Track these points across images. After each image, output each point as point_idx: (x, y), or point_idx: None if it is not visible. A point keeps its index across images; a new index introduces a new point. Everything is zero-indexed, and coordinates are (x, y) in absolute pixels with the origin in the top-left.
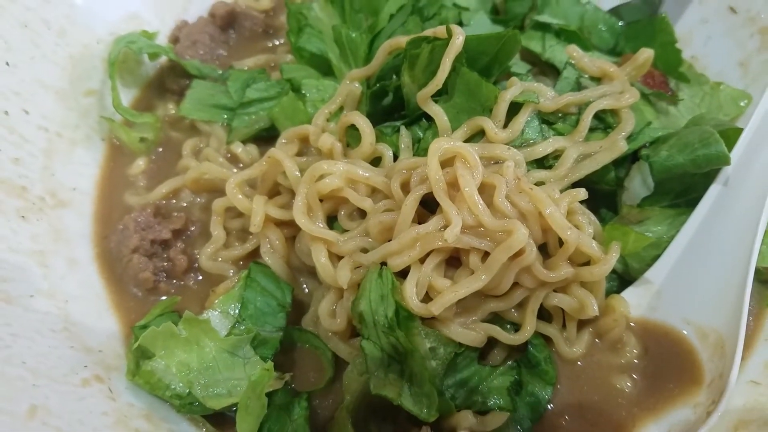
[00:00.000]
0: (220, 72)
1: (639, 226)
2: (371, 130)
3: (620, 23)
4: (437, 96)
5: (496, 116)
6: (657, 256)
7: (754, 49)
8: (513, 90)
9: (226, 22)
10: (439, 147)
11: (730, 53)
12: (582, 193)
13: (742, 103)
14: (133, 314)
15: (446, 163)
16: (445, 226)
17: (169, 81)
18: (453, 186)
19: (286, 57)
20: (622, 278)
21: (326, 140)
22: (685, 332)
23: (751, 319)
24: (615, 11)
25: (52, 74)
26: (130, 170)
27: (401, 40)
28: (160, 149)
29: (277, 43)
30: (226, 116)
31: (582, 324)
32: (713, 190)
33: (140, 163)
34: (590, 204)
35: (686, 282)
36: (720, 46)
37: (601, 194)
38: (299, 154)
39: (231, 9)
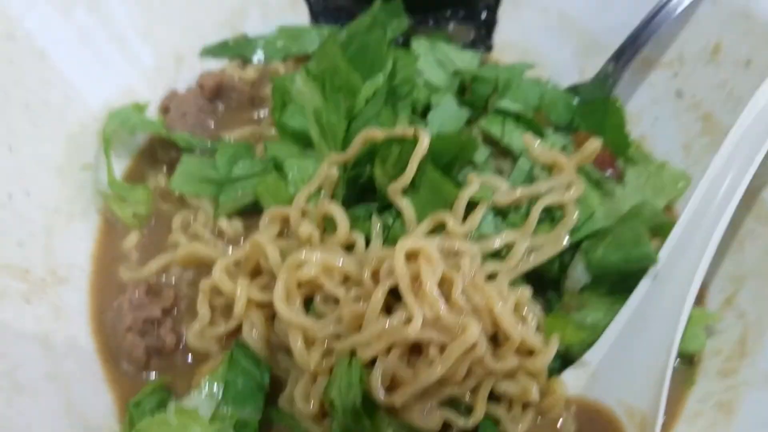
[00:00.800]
0: (209, 143)
1: (579, 312)
2: (346, 221)
3: (576, 100)
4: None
5: (456, 212)
6: (594, 341)
7: (697, 133)
8: (470, 189)
9: (214, 93)
10: (404, 245)
11: (675, 135)
12: (527, 292)
13: (680, 185)
14: (127, 389)
15: (412, 255)
16: (409, 319)
17: (160, 152)
18: (416, 279)
19: (270, 130)
20: (564, 358)
21: (305, 229)
22: (616, 411)
23: (675, 397)
24: (572, 89)
25: (51, 152)
26: (123, 244)
27: (375, 134)
28: (152, 220)
29: (262, 114)
30: (214, 189)
31: (526, 404)
32: (644, 283)
33: (133, 237)
34: (539, 288)
35: (618, 365)
36: (667, 127)
37: (548, 279)
38: (281, 233)
39: (219, 81)
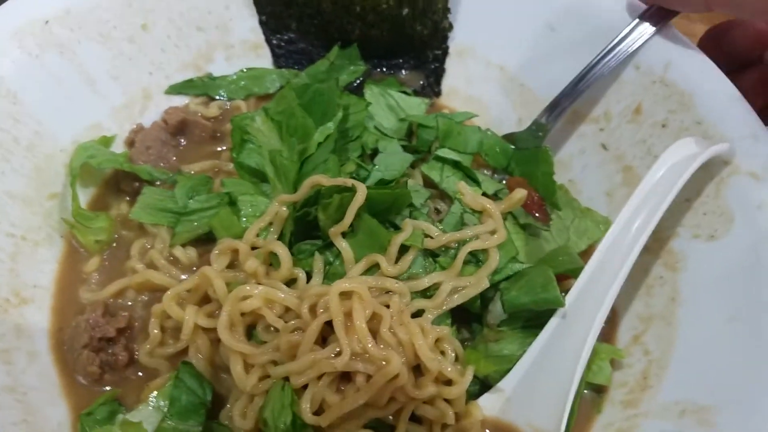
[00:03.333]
0: (170, 175)
1: (496, 344)
2: (289, 258)
3: (512, 147)
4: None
5: (389, 254)
6: (509, 370)
7: (619, 183)
8: (403, 234)
9: (178, 128)
10: (339, 287)
11: (600, 183)
12: (446, 330)
13: (602, 228)
14: (81, 401)
15: (347, 294)
16: (339, 352)
17: (123, 183)
18: (349, 316)
19: (228, 164)
20: (483, 384)
21: (251, 264)
22: None
23: (583, 423)
24: (509, 136)
25: (20, 184)
26: (85, 267)
27: (321, 180)
28: (114, 244)
29: (223, 148)
30: (172, 220)
31: (444, 427)
32: (553, 321)
33: (94, 262)
34: (463, 319)
35: (529, 391)
36: (593, 175)
37: (472, 313)
38: (231, 264)
39: (183, 117)
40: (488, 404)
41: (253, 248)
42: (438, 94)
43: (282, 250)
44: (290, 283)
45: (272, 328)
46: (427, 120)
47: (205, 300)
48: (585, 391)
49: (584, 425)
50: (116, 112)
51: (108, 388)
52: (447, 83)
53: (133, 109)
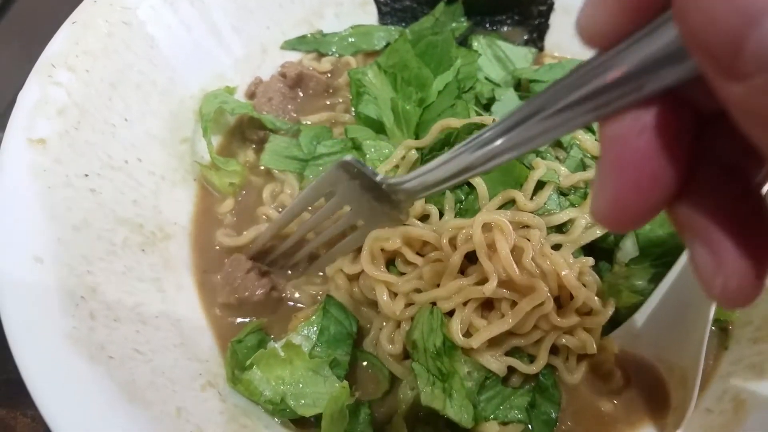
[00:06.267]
0: (292, 125)
1: (627, 281)
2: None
3: None
4: None
5: (525, 190)
6: (640, 304)
7: None
8: (539, 171)
9: (295, 81)
10: (482, 219)
11: None
12: (590, 261)
13: None
14: (226, 333)
15: (485, 227)
16: (483, 279)
17: (248, 132)
18: (491, 247)
19: (344, 116)
20: (613, 320)
21: None
22: (658, 367)
23: (710, 358)
24: None
25: (158, 126)
26: (219, 209)
27: (453, 122)
28: (244, 192)
29: (338, 101)
30: (299, 166)
31: (580, 358)
32: (684, 256)
33: (228, 203)
34: (594, 256)
35: (660, 327)
36: None
37: (602, 250)
38: None
39: (299, 70)
40: (620, 339)
41: None
42: (541, 49)
43: None
44: (423, 219)
45: (411, 264)
46: (538, 74)
47: None
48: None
49: (713, 361)
50: (238, 64)
51: (248, 319)
52: (550, 39)
53: (252, 62)
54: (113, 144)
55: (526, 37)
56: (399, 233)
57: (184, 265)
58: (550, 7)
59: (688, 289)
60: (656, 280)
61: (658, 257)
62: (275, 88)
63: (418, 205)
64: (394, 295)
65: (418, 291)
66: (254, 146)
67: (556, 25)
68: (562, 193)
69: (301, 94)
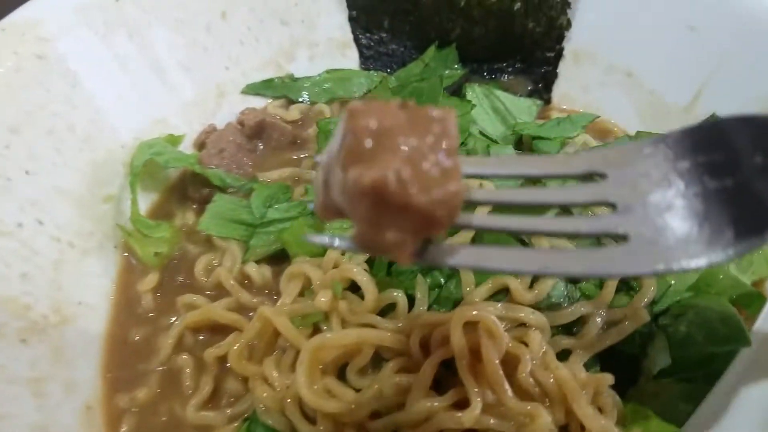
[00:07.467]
0: (245, 182)
1: (656, 400)
2: (373, 287)
3: None
4: None
5: (522, 276)
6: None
7: None
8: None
9: (255, 131)
10: (463, 316)
11: None
12: (609, 380)
13: None
14: None
15: (467, 326)
16: (463, 400)
17: (191, 189)
18: (474, 354)
19: (309, 172)
20: None
21: (323, 301)
22: None
23: None
24: None
25: (72, 180)
26: (139, 286)
27: None
28: (175, 261)
29: (303, 156)
30: (245, 233)
31: None
32: (736, 366)
33: (151, 279)
34: (613, 365)
35: None
36: None
37: (623, 356)
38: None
39: (261, 119)
40: None
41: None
42: (548, 101)
43: (363, 277)
44: (386, 310)
45: (368, 368)
46: (543, 130)
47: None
48: None
49: None
50: (186, 109)
51: None
52: (558, 90)
53: (206, 106)
54: (3, 202)
55: (529, 87)
56: (351, 337)
57: (83, 356)
58: (559, 54)
59: (745, 409)
60: (694, 402)
61: (696, 367)
62: (230, 138)
63: (371, 303)
64: (340, 427)
65: (377, 416)
66: (195, 206)
67: (565, 74)
68: (574, 279)
69: (261, 146)
